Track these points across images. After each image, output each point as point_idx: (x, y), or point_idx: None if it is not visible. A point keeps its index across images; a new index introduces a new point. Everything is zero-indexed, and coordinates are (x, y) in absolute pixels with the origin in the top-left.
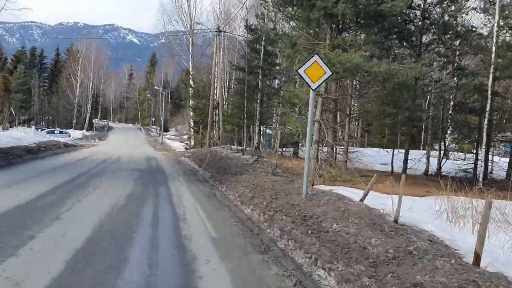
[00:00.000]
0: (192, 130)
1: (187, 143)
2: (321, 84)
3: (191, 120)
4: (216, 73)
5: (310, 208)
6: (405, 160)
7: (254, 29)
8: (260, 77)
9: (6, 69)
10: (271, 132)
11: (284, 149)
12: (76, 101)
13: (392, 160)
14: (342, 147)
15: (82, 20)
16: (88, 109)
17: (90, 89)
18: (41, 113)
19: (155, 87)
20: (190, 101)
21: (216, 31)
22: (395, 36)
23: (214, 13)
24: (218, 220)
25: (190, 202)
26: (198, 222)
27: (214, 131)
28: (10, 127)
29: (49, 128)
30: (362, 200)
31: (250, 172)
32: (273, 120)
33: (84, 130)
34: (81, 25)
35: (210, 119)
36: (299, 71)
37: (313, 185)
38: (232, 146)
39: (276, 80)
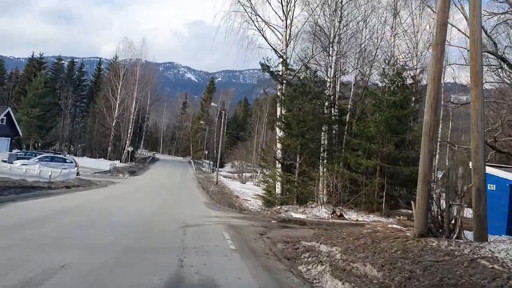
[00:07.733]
0: (279, 164)
1: (268, 191)
2: None
3: (278, 145)
4: None
5: None
6: None
7: None
8: None
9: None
10: None
11: None
12: (113, 124)
13: None
14: None
15: (144, 57)
16: (129, 135)
17: (133, 111)
18: (72, 137)
19: (213, 104)
20: (279, 109)
21: None
22: None
23: None
24: None
25: None
26: None
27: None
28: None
29: (56, 154)
30: None
31: None
32: None
33: (117, 161)
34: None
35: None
36: None
37: None
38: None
39: None
